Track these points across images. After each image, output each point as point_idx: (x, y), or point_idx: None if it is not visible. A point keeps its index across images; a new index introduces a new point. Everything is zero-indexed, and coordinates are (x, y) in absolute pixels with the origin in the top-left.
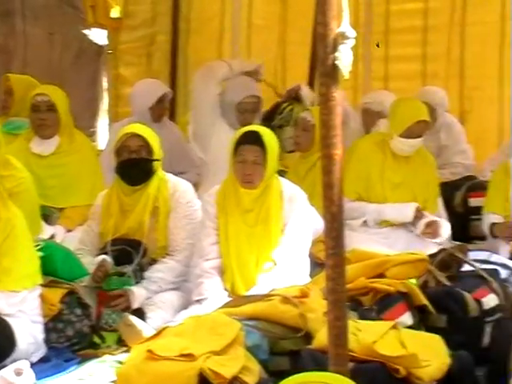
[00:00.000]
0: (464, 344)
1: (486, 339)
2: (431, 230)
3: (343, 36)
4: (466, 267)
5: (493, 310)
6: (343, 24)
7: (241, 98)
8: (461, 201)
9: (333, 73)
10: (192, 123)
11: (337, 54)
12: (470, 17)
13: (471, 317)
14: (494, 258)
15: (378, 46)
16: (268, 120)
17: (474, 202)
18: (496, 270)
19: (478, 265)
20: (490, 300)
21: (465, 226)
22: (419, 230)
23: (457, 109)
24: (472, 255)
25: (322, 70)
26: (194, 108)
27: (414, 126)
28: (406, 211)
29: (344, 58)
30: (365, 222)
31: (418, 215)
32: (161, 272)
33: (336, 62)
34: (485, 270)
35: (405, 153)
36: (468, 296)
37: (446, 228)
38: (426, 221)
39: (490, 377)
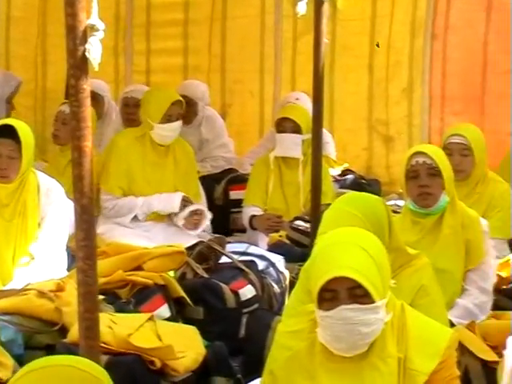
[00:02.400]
0: (222, 335)
1: (243, 330)
2: (197, 217)
3: (93, 28)
4: (225, 259)
5: (249, 301)
6: (92, 16)
7: None
8: (221, 194)
9: (82, 65)
10: None
11: (87, 46)
12: (230, 10)
13: (228, 308)
14: (252, 249)
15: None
16: None
17: (234, 194)
18: (253, 261)
19: (235, 257)
20: (247, 291)
21: (225, 219)
22: (182, 217)
23: (218, 102)
24: (230, 247)
25: (72, 62)
26: None
27: (170, 109)
28: (173, 201)
29: (94, 50)
30: (135, 217)
31: (185, 204)
32: None
33: (86, 54)
34: (242, 261)
35: (168, 140)
36: (225, 287)
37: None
38: (191, 209)
39: (246, 366)
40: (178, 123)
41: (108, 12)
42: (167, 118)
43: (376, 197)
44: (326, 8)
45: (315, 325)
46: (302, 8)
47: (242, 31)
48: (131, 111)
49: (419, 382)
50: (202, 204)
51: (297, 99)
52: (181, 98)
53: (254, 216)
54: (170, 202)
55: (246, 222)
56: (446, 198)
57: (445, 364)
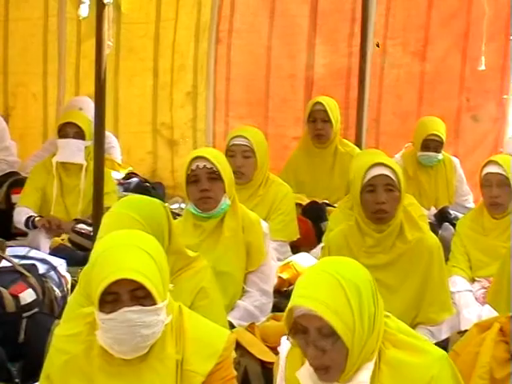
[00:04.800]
0: (1, 339)
1: (23, 334)
2: None
3: None
4: (5, 263)
5: (30, 305)
6: None
7: None
8: (3, 197)
9: None
10: None
11: None
12: (12, 12)
13: (8, 312)
14: (33, 253)
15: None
16: None
17: (16, 198)
18: (34, 265)
19: (16, 260)
20: (27, 295)
21: (7, 223)
22: None
23: (1, 105)
24: (11, 251)
25: None
26: None
27: None
28: None
29: None
30: None
31: None
32: None
33: None
34: (23, 265)
35: None
36: (5, 291)
37: None
38: None
39: (25, 371)
40: None
41: None
42: None
43: (156, 200)
44: (109, 11)
45: (93, 328)
46: (85, 11)
47: (24, 33)
48: None
49: (196, 383)
50: None
51: (80, 109)
52: None
53: (31, 216)
54: None
55: (19, 220)
56: (227, 201)
57: (222, 365)
